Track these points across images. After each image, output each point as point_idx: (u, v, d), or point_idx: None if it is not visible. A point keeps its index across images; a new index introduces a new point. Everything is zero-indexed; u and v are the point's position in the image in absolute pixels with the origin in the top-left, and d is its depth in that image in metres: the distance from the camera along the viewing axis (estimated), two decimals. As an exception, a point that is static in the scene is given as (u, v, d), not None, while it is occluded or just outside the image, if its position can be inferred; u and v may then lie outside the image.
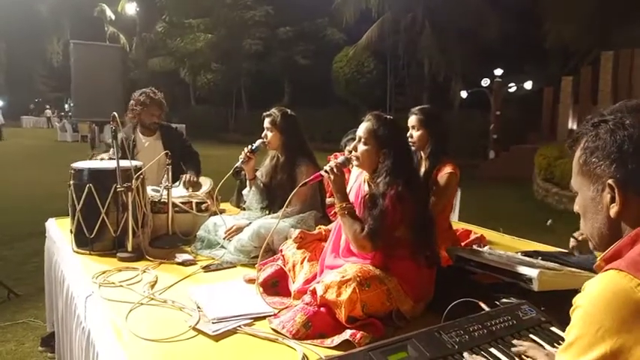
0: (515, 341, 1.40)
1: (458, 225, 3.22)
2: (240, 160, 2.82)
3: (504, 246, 2.82)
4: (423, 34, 18.03)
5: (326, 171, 1.97)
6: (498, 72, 15.81)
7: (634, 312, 0.81)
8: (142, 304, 1.96)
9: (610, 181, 0.92)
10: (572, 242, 2.17)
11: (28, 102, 40.45)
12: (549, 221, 2.46)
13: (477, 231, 3.05)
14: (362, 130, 1.99)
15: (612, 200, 0.92)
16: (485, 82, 15.70)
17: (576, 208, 1.03)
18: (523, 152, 13.19)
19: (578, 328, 0.86)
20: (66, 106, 35.74)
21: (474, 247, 2.37)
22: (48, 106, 38.45)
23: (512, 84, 16.05)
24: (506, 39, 15.87)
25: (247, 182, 2.97)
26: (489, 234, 3.15)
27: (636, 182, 0.90)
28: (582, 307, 0.87)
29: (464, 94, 16.95)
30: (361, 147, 1.97)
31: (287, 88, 25.20)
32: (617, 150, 0.91)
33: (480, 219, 3.42)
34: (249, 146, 2.82)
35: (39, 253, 3.31)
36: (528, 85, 15.58)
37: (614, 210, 0.92)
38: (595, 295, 0.86)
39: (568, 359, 0.88)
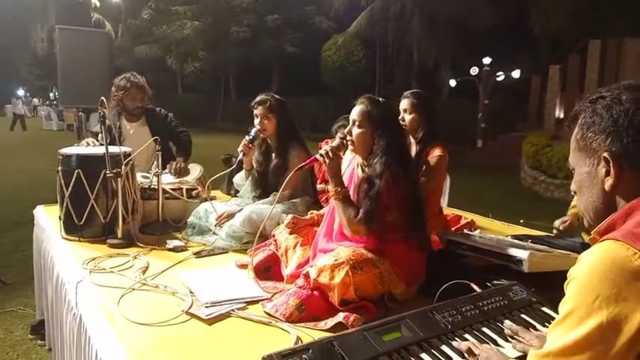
0: (506, 322, 1.42)
1: (448, 210, 3.25)
2: (241, 153, 2.78)
3: (494, 231, 2.85)
4: (412, 22, 17.99)
5: (321, 155, 1.97)
6: (487, 61, 15.87)
7: (630, 280, 0.82)
8: (133, 289, 1.95)
9: (605, 154, 0.93)
10: (554, 232, 2.21)
11: (12, 91, 39.75)
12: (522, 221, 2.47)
13: (467, 216, 3.07)
14: (355, 112, 1.98)
15: (607, 174, 0.94)
16: (474, 70, 15.75)
17: (573, 186, 1.05)
18: (511, 140, 13.29)
19: (574, 300, 0.87)
20: (51, 94, 35.22)
21: (465, 231, 2.40)
22: (28, 94, 37.86)
23: (500, 73, 16.13)
24: (495, 28, 15.89)
25: (244, 171, 2.94)
26: (479, 219, 3.17)
27: (631, 156, 0.92)
28: (577, 277, 0.88)
29: (452, 82, 17.02)
30: (355, 130, 1.97)
31: (275, 76, 25.05)
32: (613, 124, 0.93)
33: (468, 206, 3.44)
34: (247, 137, 2.79)
35: (27, 241, 3.28)
36: (516, 73, 15.67)
37: (608, 183, 0.94)
38: (591, 264, 0.87)
39: (563, 332, 0.88)
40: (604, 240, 0.90)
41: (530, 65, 16.05)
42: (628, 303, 0.82)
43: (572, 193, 1.06)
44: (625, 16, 12.92)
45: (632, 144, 0.91)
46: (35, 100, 36.81)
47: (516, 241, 2.02)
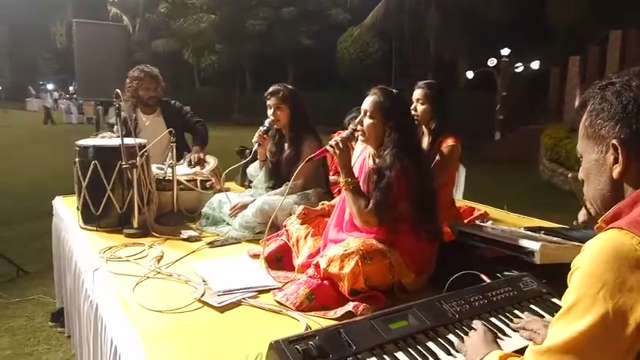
0: (515, 320, 1.41)
1: (462, 202, 3.23)
2: (256, 144, 2.81)
3: (508, 223, 2.83)
4: (429, 13, 17.82)
5: (331, 146, 1.98)
6: (505, 52, 15.65)
7: (635, 269, 0.81)
8: (148, 277, 1.99)
9: (614, 141, 0.92)
10: (574, 223, 2.17)
11: (33, 84, 40.43)
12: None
13: (481, 208, 3.05)
14: (367, 103, 1.98)
15: (615, 161, 0.93)
16: (492, 62, 15.55)
17: (580, 175, 1.03)
18: (529, 133, 13.11)
19: (577, 290, 0.86)
20: (70, 88, 35.69)
21: (477, 222, 2.39)
22: (48, 88, 38.46)
23: (519, 64, 15.89)
24: (513, 18, 15.65)
25: (258, 162, 2.97)
26: (493, 212, 3.15)
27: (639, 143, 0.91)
28: (582, 267, 0.87)
29: (470, 74, 16.82)
30: (367, 121, 1.97)
31: (291, 69, 25.05)
32: (622, 110, 0.91)
33: (485, 199, 3.42)
34: (261, 128, 2.81)
35: (47, 231, 3.36)
36: (535, 65, 15.42)
37: (617, 170, 0.93)
38: (595, 253, 0.86)
39: (566, 325, 0.87)
40: (608, 229, 0.88)
41: (549, 56, 15.77)
42: (633, 293, 0.81)
43: (580, 180, 1.05)
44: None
45: None
46: (55, 93, 37.36)
47: (529, 233, 2.01)
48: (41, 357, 2.93)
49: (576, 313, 0.86)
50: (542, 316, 1.44)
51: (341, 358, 1.13)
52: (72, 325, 2.70)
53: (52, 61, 36.79)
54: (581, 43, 14.42)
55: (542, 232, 2.09)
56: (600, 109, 0.95)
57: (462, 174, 3.99)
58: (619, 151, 0.92)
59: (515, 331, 1.36)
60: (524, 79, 16.33)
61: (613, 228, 0.87)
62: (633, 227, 0.84)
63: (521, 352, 1.15)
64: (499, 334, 1.31)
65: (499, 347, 1.18)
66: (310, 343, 1.14)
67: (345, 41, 20.69)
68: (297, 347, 1.12)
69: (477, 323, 1.30)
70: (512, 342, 1.30)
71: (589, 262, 0.86)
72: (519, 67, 15.80)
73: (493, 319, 1.38)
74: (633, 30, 11.90)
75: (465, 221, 2.70)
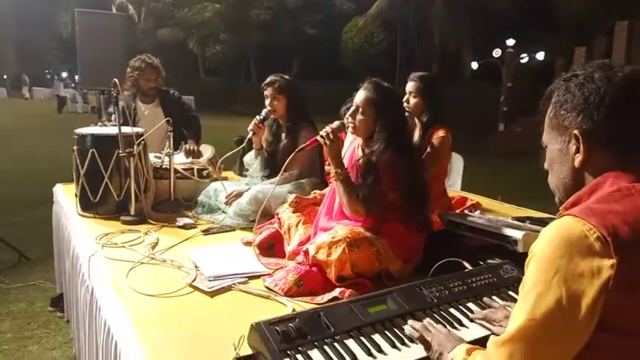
0: (475, 311, 1.42)
1: (454, 193, 3.26)
2: (251, 132, 2.85)
3: (500, 213, 2.85)
4: (434, 3, 17.70)
5: (322, 136, 2.01)
6: (510, 42, 15.52)
7: (586, 255, 0.84)
8: (142, 263, 2.04)
9: (576, 132, 0.95)
10: None
11: (38, 74, 40.49)
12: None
13: (474, 198, 3.08)
14: (359, 98, 2.01)
15: (577, 151, 0.96)
16: (497, 52, 15.43)
17: (545, 165, 1.06)
18: (534, 124, 12.92)
19: (533, 277, 0.89)
20: (76, 77, 35.75)
21: (466, 212, 2.42)
22: (54, 77, 38.57)
23: (524, 55, 15.77)
24: (519, 8, 15.52)
25: (254, 151, 3.01)
26: (487, 202, 3.18)
27: (600, 133, 0.94)
28: (537, 253, 0.90)
29: (474, 65, 16.71)
30: (359, 116, 2.00)
31: (295, 58, 24.99)
32: (584, 102, 0.94)
33: (484, 190, 3.44)
34: (258, 117, 2.85)
35: (48, 219, 3.42)
36: (540, 55, 15.29)
37: (578, 160, 0.96)
38: (549, 239, 0.88)
39: (524, 312, 0.89)
40: (563, 216, 0.91)
41: (554, 47, 15.65)
42: (584, 278, 0.83)
43: (546, 169, 1.08)
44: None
45: (602, 122, 0.93)
46: (60, 82, 37.45)
47: (515, 222, 2.04)
48: (40, 340, 3.00)
49: (532, 300, 0.88)
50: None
51: (319, 339, 1.18)
52: (70, 310, 2.76)
53: (58, 50, 36.81)
54: (588, 34, 14.32)
55: (528, 221, 2.12)
56: (564, 101, 0.98)
57: (459, 165, 4.01)
58: (580, 141, 0.95)
59: (473, 321, 1.37)
60: (530, 70, 16.22)
61: (567, 215, 0.90)
62: (585, 214, 0.87)
63: (479, 342, 1.19)
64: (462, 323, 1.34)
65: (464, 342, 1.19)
66: (290, 324, 1.18)
67: (350, 31, 20.61)
68: (277, 329, 1.17)
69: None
70: (467, 333, 1.31)
71: (543, 248, 0.89)
72: (524, 58, 15.68)
73: (470, 305, 1.42)
74: (640, 21, 11.79)
75: (457, 211, 2.73)
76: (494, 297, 1.48)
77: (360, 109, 2.01)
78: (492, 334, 1.31)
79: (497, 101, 15.32)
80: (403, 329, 1.26)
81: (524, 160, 11.17)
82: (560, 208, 1.01)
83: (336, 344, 1.18)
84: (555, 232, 0.89)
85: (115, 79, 2.62)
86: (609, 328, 0.85)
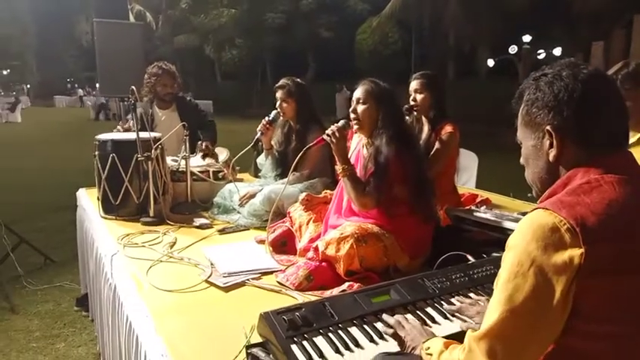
0: (453, 300, 1.45)
1: (464, 189, 3.30)
2: (259, 132, 2.94)
3: (511, 209, 2.88)
4: (449, 2, 17.62)
5: (328, 135, 2.08)
6: (527, 39, 15.44)
7: (559, 246, 0.88)
8: (161, 261, 2.14)
9: (548, 128, 1.00)
10: None
11: (59, 82, 41.37)
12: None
13: (484, 195, 3.12)
14: (359, 92, 2.10)
15: (551, 146, 1.01)
16: (513, 49, 15.36)
17: (521, 160, 1.11)
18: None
19: (510, 269, 0.92)
20: (97, 85, 36.42)
21: (473, 207, 2.47)
22: (75, 85, 39.34)
23: (541, 51, 15.66)
24: (535, 4, 15.38)
25: (264, 151, 3.11)
26: (498, 198, 3.21)
27: (571, 128, 0.99)
28: (512, 246, 0.94)
29: (490, 62, 16.63)
30: (360, 107, 2.09)
31: (311, 61, 25.12)
32: (554, 99, 0.99)
33: (501, 187, 3.46)
34: (266, 117, 2.95)
35: (73, 223, 3.56)
36: (557, 51, 15.18)
37: (552, 154, 1.01)
38: (524, 231, 0.93)
39: (502, 302, 0.92)
40: (536, 209, 0.96)
41: (571, 42, 15.48)
42: (558, 268, 0.88)
43: (522, 165, 1.13)
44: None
45: (572, 117, 0.98)
46: (80, 90, 38.22)
47: (519, 216, 2.08)
48: (67, 338, 3.13)
49: (510, 291, 0.91)
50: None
51: (324, 327, 1.25)
52: (95, 309, 2.88)
53: (79, 58, 37.55)
54: (605, 28, 14.11)
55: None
56: (535, 99, 1.03)
57: (473, 163, 4.03)
58: (553, 136, 1.00)
59: (449, 316, 1.39)
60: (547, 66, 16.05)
61: (539, 208, 0.95)
62: (555, 207, 0.92)
63: (454, 337, 1.19)
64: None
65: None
66: (296, 314, 1.26)
67: (364, 32, 20.66)
68: (284, 317, 1.24)
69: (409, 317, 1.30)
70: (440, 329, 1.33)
71: (519, 241, 0.93)
72: (541, 54, 15.57)
73: (472, 295, 1.48)
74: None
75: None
76: (471, 294, 1.49)
77: (362, 100, 2.10)
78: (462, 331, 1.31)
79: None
80: (405, 318, 1.32)
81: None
82: (538, 203, 1.05)
83: (340, 332, 1.25)
84: (529, 225, 0.93)
85: (133, 87, 2.73)
86: (581, 315, 0.90)
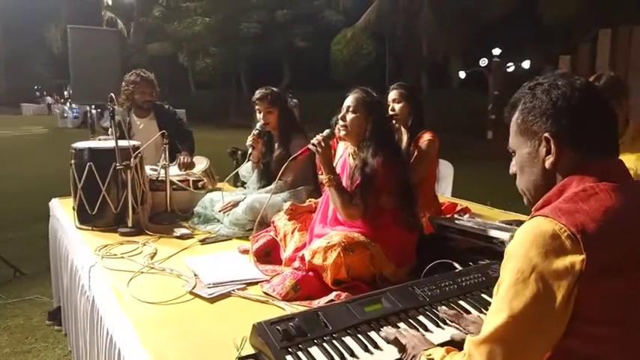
0: (441, 308, 1.44)
1: (444, 198, 3.33)
2: (251, 148, 2.88)
3: (489, 217, 2.92)
4: (422, 13, 17.97)
5: (313, 144, 2.07)
6: (497, 52, 15.82)
7: (560, 253, 0.90)
8: (142, 272, 2.09)
9: (546, 135, 1.02)
10: None
11: (27, 89, 40.34)
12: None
13: (464, 204, 3.15)
14: (350, 100, 2.10)
15: (548, 153, 1.03)
16: (484, 61, 15.71)
17: (512, 169, 1.13)
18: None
19: (511, 276, 0.93)
20: (65, 92, 35.67)
21: (455, 216, 2.49)
22: (44, 93, 38.46)
23: (510, 63, 16.06)
24: (505, 18, 15.82)
25: (250, 163, 3.06)
26: (477, 207, 3.25)
27: (569, 135, 1.01)
28: (512, 254, 0.95)
29: (462, 74, 16.97)
30: (350, 115, 2.08)
31: (286, 71, 25.18)
32: (552, 106, 1.02)
33: (474, 197, 3.51)
34: (255, 131, 2.89)
35: (43, 234, 3.45)
36: (526, 64, 15.59)
37: (549, 161, 1.03)
38: (523, 239, 0.94)
39: (503, 309, 0.92)
40: (534, 216, 0.97)
41: (540, 55, 15.94)
42: (559, 274, 0.89)
43: (512, 174, 1.14)
44: (637, 4, 12.77)
45: (570, 124, 1.00)
46: (49, 98, 37.37)
47: (502, 225, 2.11)
48: (39, 354, 3.01)
49: (510, 297, 0.92)
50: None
51: (318, 337, 1.23)
52: (68, 323, 2.79)
53: (49, 65, 36.73)
54: (573, 42, 14.58)
55: (515, 224, 2.20)
56: (532, 107, 1.05)
57: (449, 172, 4.10)
58: (551, 143, 1.02)
59: (441, 324, 1.40)
60: (517, 78, 16.48)
61: (538, 215, 0.96)
62: (555, 214, 0.94)
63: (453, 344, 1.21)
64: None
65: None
66: (290, 324, 1.24)
67: (339, 43, 20.83)
68: (278, 328, 1.22)
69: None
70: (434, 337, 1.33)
71: (519, 248, 0.94)
72: (511, 67, 15.97)
73: (462, 302, 1.48)
74: (623, 27, 12.03)
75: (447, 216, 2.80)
76: (460, 301, 1.50)
77: (352, 108, 2.09)
78: (453, 339, 1.31)
79: (485, 109, 15.55)
80: (398, 326, 1.32)
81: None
82: (532, 209, 1.07)
83: (334, 342, 1.23)
84: (529, 232, 0.94)
85: (112, 94, 2.68)
86: (582, 318, 0.92)
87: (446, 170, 3.98)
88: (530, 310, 0.91)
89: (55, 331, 3.23)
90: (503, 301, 0.93)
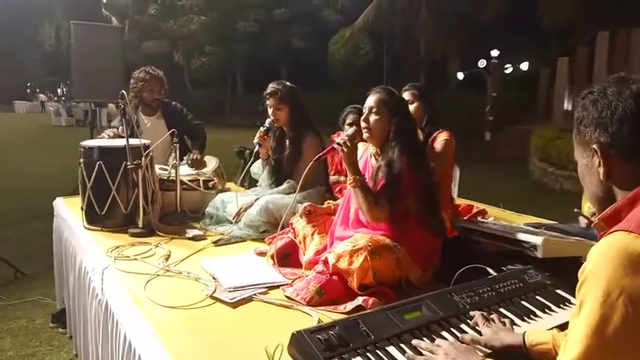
0: (473, 313, 1.40)
1: (460, 200, 3.29)
2: (257, 145, 2.82)
3: (506, 220, 2.88)
4: (420, 14, 17.95)
5: (339, 144, 2.01)
6: (495, 53, 15.84)
7: None
8: (158, 275, 2.02)
9: (594, 146, 0.99)
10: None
11: (20, 87, 40.03)
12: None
13: (479, 206, 3.11)
14: (372, 100, 2.03)
15: (600, 164, 0.99)
16: (482, 63, 15.72)
17: (580, 177, 1.09)
18: (519, 133, 13.27)
19: (595, 299, 0.86)
20: (59, 90, 35.40)
21: (479, 218, 2.45)
22: (36, 90, 38.15)
23: (508, 65, 16.09)
24: (503, 19, 15.84)
25: (260, 161, 2.99)
26: (490, 210, 3.21)
27: (617, 146, 0.97)
28: (595, 274, 0.87)
29: (460, 75, 16.98)
30: (373, 117, 2.02)
31: (283, 70, 25.09)
32: (599, 116, 0.98)
33: (477, 198, 3.48)
34: (262, 128, 2.83)
35: (42, 233, 3.36)
36: (524, 66, 15.62)
37: (601, 172, 0.99)
38: (606, 257, 0.87)
39: (588, 335, 0.86)
40: (615, 231, 0.90)
41: (538, 57, 15.98)
42: None
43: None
44: (634, 7, 12.81)
45: (616, 134, 0.96)
46: (42, 95, 37.06)
47: (530, 228, 2.07)
48: (44, 358, 2.93)
49: (597, 321, 0.85)
50: (549, 307, 1.49)
51: (361, 347, 1.18)
52: (75, 326, 2.71)
53: (42, 63, 36.41)
54: (571, 44, 14.64)
55: (543, 227, 2.15)
56: (582, 117, 1.02)
57: (456, 173, 4.06)
58: (599, 154, 0.98)
59: (524, 320, 1.39)
60: (514, 80, 16.54)
61: (621, 230, 0.89)
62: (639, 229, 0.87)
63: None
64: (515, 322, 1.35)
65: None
66: (331, 333, 1.18)
67: (337, 43, 20.77)
68: (319, 337, 1.16)
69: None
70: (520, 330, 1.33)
71: (602, 268, 0.87)
72: (509, 69, 16.00)
73: (502, 310, 1.43)
74: (621, 30, 12.08)
75: (465, 218, 2.76)
76: (501, 309, 1.46)
77: (374, 110, 2.03)
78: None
79: (483, 111, 15.57)
80: (441, 334, 1.26)
81: (511, 167, 11.40)
82: (595, 219, 1.02)
83: (378, 351, 1.18)
84: (612, 250, 0.87)
85: (123, 91, 2.60)
86: None
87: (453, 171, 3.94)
88: (620, 336, 0.84)
89: (59, 334, 3.15)
90: (588, 327, 0.86)
